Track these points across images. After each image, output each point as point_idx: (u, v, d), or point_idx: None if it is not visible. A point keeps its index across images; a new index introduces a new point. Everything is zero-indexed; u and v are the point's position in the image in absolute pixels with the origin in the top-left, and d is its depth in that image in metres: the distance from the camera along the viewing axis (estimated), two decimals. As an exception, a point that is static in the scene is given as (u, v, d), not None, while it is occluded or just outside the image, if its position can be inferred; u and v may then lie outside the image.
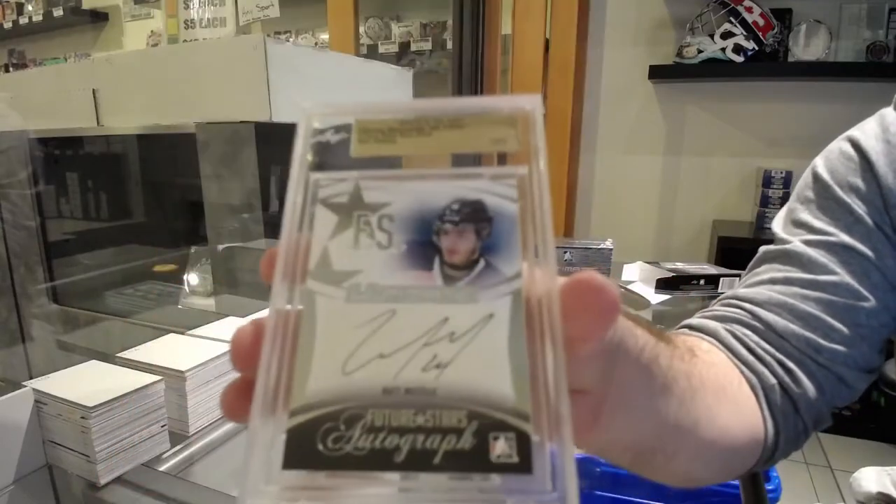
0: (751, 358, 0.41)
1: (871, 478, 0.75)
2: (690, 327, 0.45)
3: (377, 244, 0.19)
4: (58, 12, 3.54)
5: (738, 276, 1.07)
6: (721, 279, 1.07)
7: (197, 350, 0.64)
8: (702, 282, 1.06)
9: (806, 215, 0.46)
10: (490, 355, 0.16)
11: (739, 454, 0.38)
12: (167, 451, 0.58)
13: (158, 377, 0.57)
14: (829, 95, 2.13)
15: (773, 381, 0.40)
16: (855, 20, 2.05)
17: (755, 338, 0.42)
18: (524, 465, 0.15)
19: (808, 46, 2.07)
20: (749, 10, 2.03)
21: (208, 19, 1.00)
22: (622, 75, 2.41)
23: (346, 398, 0.16)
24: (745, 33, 2.05)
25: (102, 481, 0.52)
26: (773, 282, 0.44)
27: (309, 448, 0.15)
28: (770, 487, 0.62)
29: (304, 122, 0.22)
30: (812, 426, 0.42)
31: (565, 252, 1.12)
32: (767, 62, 2.12)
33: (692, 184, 2.42)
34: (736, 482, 0.61)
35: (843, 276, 0.41)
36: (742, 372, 0.40)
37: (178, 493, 0.51)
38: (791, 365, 0.41)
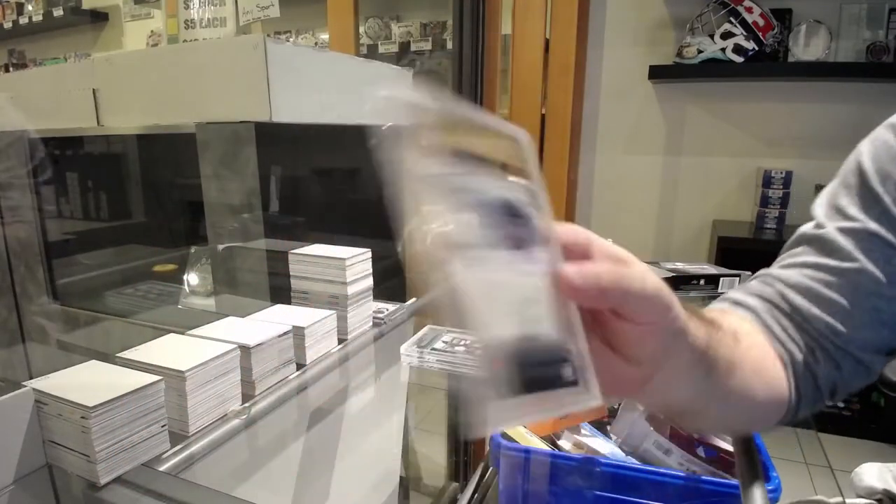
0: (784, 336, 0.46)
1: (873, 474, 0.75)
2: (734, 302, 0.50)
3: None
4: (58, 12, 3.54)
5: (738, 276, 1.07)
6: (721, 279, 1.07)
7: (197, 350, 0.64)
8: (702, 282, 1.06)
9: (844, 200, 0.48)
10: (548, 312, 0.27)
11: (763, 417, 0.45)
12: (167, 451, 0.58)
13: (158, 377, 0.57)
14: (829, 95, 2.13)
15: (800, 357, 0.45)
16: (855, 20, 2.05)
17: (785, 321, 0.47)
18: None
19: (808, 46, 2.07)
20: (749, 10, 2.03)
21: (208, 19, 1.00)
22: (622, 75, 2.41)
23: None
24: (745, 33, 2.05)
25: (102, 481, 0.52)
26: (804, 265, 0.48)
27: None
28: (770, 487, 0.62)
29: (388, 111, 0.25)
30: (828, 397, 0.47)
31: (565, 252, 1.12)
32: (767, 62, 2.12)
33: (692, 184, 2.42)
34: (736, 482, 0.61)
35: (864, 263, 0.44)
36: (776, 348, 0.46)
37: (178, 493, 0.51)
38: (813, 345, 0.46)
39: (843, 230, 0.46)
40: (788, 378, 0.44)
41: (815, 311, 0.45)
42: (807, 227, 0.50)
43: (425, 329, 0.96)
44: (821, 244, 0.47)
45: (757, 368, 0.42)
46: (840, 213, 0.47)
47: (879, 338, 0.45)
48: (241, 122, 0.90)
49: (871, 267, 0.44)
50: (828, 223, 0.47)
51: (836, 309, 0.45)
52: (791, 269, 0.48)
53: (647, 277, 0.30)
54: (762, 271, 0.51)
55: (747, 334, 0.45)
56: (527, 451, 0.69)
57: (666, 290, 0.32)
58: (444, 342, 0.88)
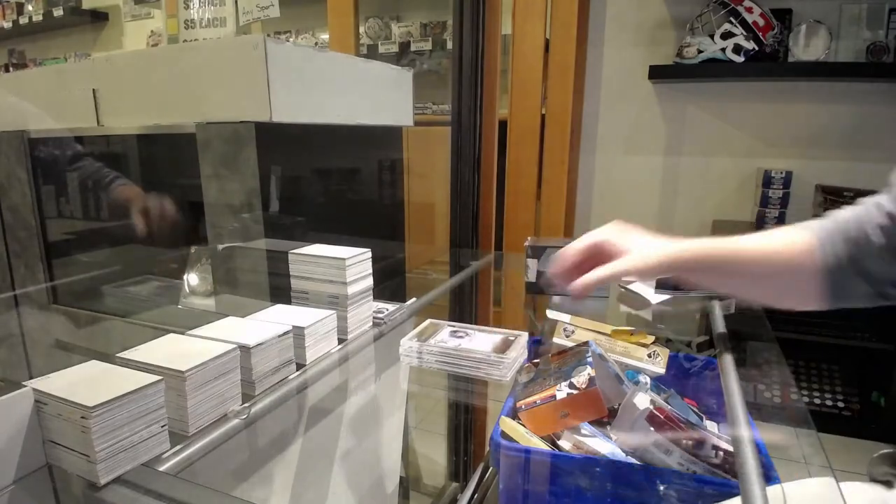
0: (836, 241, 0.61)
1: (887, 456, 0.75)
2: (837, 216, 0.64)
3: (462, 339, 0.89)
4: (58, 12, 3.54)
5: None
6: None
7: (197, 350, 0.64)
8: (702, 282, 1.06)
9: None
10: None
11: (790, 302, 0.67)
12: (167, 451, 0.58)
13: (158, 377, 0.57)
14: (829, 95, 2.13)
15: (844, 259, 0.60)
16: (855, 20, 2.05)
17: (869, 225, 0.59)
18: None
19: (808, 47, 2.07)
20: (749, 10, 2.03)
21: (208, 19, 1.00)
22: (622, 75, 2.41)
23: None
24: (745, 33, 2.05)
25: (102, 481, 0.52)
26: None
27: None
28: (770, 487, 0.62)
29: None
30: (890, 287, 0.60)
31: (565, 252, 1.12)
32: (767, 62, 2.12)
33: (692, 184, 2.42)
34: (736, 482, 0.61)
35: None
36: (819, 253, 0.62)
37: (178, 493, 0.51)
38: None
39: None
40: (819, 272, 0.61)
41: None
42: None
43: (426, 323, 0.96)
44: None
45: (781, 270, 0.64)
46: None
47: None
48: (241, 122, 0.90)
49: None
50: None
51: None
52: None
53: (618, 268, 0.68)
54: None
55: (790, 243, 0.64)
56: (527, 451, 0.69)
57: (632, 265, 0.67)
58: (442, 340, 0.88)
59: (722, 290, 0.74)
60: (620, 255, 0.70)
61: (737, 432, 0.57)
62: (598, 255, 0.71)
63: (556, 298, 1.13)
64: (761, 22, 2.04)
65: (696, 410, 0.82)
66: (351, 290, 0.85)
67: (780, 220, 2.15)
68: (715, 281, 0.71)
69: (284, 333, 0.73)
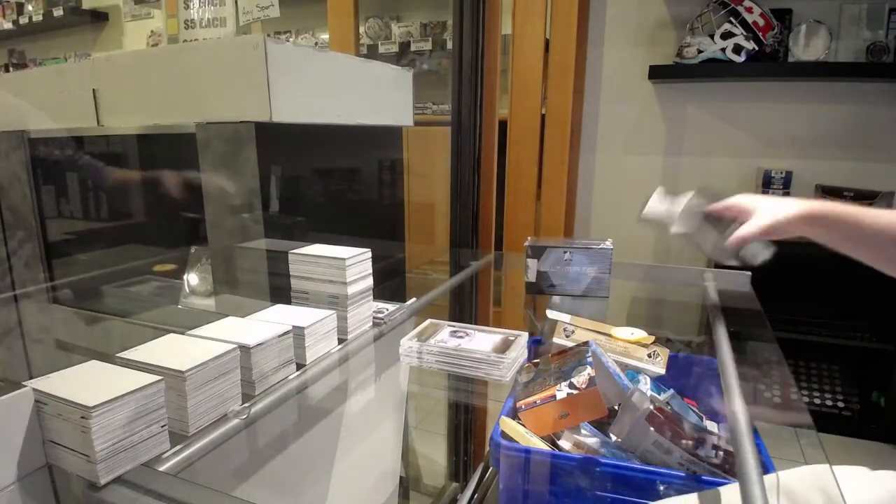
0: None
1: None
2: None
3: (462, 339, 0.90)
4: (58, 12, 3.54)
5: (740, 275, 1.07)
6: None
7: (197, 350, 0.64)
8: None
9: None
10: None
11: None
12: (167, 451, 0.58)
13: (158, 377, 0.57)
14: (829, 95, 2.13)
15: None
16: (855, 20, 2.05)
17: None
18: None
19: (808, 47, 2.07)
20: (749, 10, 2.03)
21: (208, 19, 1.00)
22: (622, 75, 2.41)
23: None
24: (745, 33, 2.04)
25: (102, 481, 0.52)
26: None
27: None
28: (770, 487, 0.62)
29: None
30: None
31: (565, 252, 1.12)
32: (767, 62, 2.12)
33: (692, 184, 2.41)
34: (736, 482, 0.61)
35: None
36: None
37: (178, 493, 0.51)
38: None
39: None
40: None
41: None
42: None
43: (426, 323, 0.96)
44: None
45: None
46: None
47: None
48: (241, 122, 0.90)
49: None
50: None
51: None
52: None
53: (761, 223, 0.76)
54: None
55: None
56: (527, 451, 0.69)
57: (769, 218, 0.75)
58: (442, 340, 0.88)
59: (845, 249, 0.76)
60: (752, 214, 0.80)
61: (737, 432, 0.57)
62: (735, 214, 0.86)
63: (556, 298, 1.13)
64: (761, 22, 2.04)
65: (696, 410, 0.82)
66: (351, 290, 0.85)
67: (780, 220, 2.14)
68: (839, 239, 0.75)
69: (284, 333, 0.73)
